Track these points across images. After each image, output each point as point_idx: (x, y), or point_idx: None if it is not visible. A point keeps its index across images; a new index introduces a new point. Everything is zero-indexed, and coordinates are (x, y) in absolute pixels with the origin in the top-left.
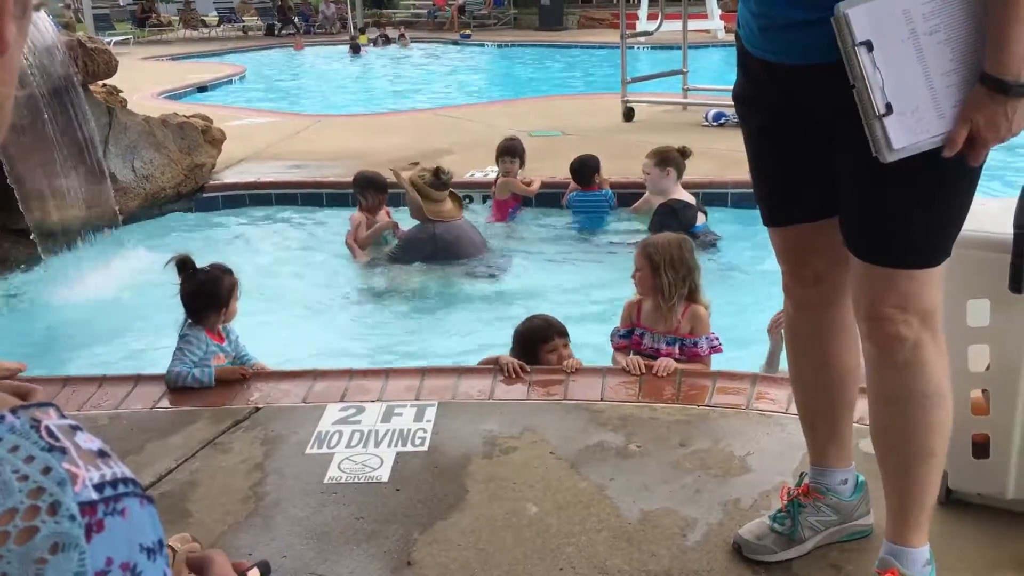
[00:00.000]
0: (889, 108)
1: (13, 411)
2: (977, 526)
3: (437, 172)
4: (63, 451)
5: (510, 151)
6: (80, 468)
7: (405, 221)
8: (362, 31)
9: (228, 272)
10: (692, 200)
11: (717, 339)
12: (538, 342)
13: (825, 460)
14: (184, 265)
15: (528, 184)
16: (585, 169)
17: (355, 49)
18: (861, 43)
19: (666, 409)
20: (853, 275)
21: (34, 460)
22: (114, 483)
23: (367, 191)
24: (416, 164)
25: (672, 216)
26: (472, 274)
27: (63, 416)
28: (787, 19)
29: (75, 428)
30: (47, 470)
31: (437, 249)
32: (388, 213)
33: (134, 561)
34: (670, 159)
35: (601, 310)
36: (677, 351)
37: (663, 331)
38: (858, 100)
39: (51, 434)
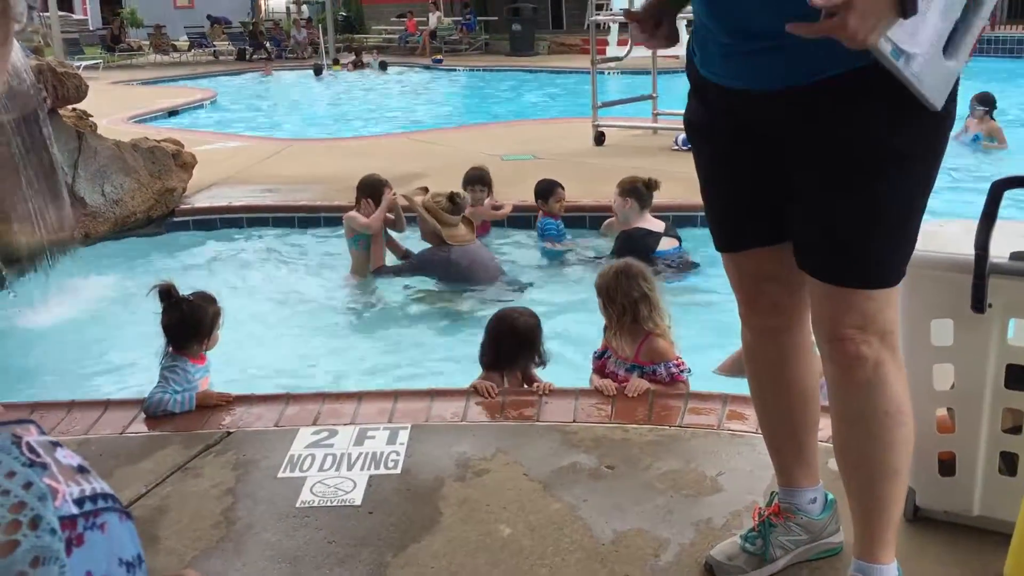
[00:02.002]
0: None
1: None
2: (944, 543)
3: (452, 197)
4: (44, 466)
5: (480, 180)
6: (60, 483)
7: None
8: (335, 61)
9: (212, 301)
10: (658, 228)
11: (678, 367)
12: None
13: (793, 481)
14: (167, 294)
15: (498, 208)
16: (537, 194)
17: (317, 71)
18: None
19: (638, 430)
20: (812, 297)
21: (15, 475)
22: (94, 498)
23: (369, 198)
24: (425, 189)
25: (629, 243)
26: (483, 300)
27: (43, 432)
28: (751, 46)
29: (55, 444)
30: (28, 485)
31: (450, 273)
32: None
33: (113, 575)
34: (630, 190)
35: (571, 331)
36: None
37: (623, 358)
38: None
39: (32, 450)
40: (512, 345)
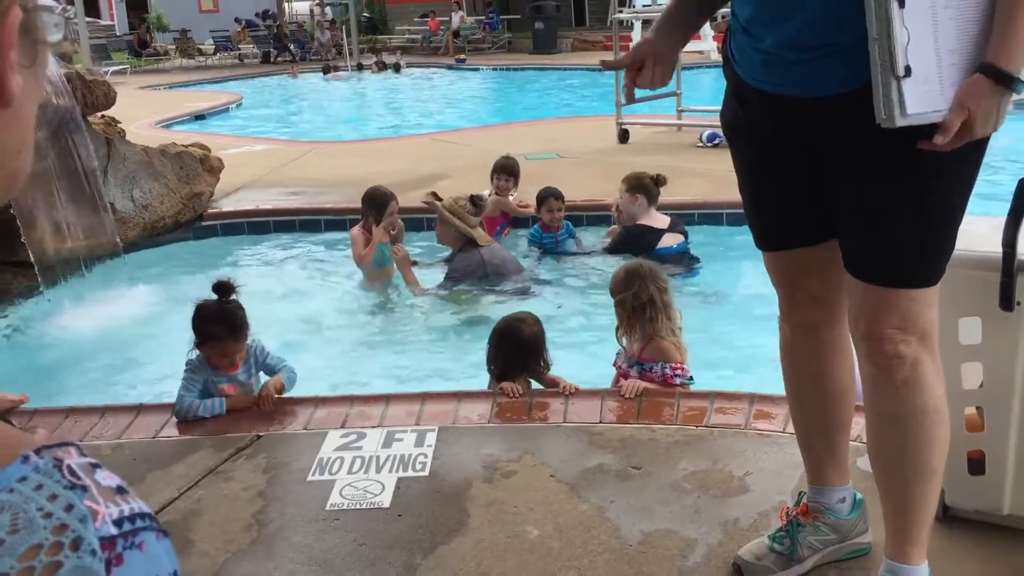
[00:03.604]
0: (908, 70)
1: (37, 451)
2: (974, 542)
3: (474, 199)
4: (84, 489)
5: (507, 169)
6: (100, 505)
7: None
8: (359, 66)
9: (235, 331)
10: (662, 224)
11: (673, 370)
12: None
13: (823, 479)
14: (218, 289)
15: (524, 207)
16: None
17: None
18: None
19: (665, 430)
20: (852, 297)
21: (57, 498)
22: (132, 518)
23: (375, 213)
24: (434, 194)
25: (628, 240)
26: (506, 300)
27: (83, 454)
28: (801, 56)
29: (95, 466)
30: (69, 507)
31: (487, 273)
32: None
33: None
34: (639, 186)
35: (583, 335)
36: (636, 374)
37: (630, 355)
38: (877, 56)
39: (73, 472)
40: (519, 354)
